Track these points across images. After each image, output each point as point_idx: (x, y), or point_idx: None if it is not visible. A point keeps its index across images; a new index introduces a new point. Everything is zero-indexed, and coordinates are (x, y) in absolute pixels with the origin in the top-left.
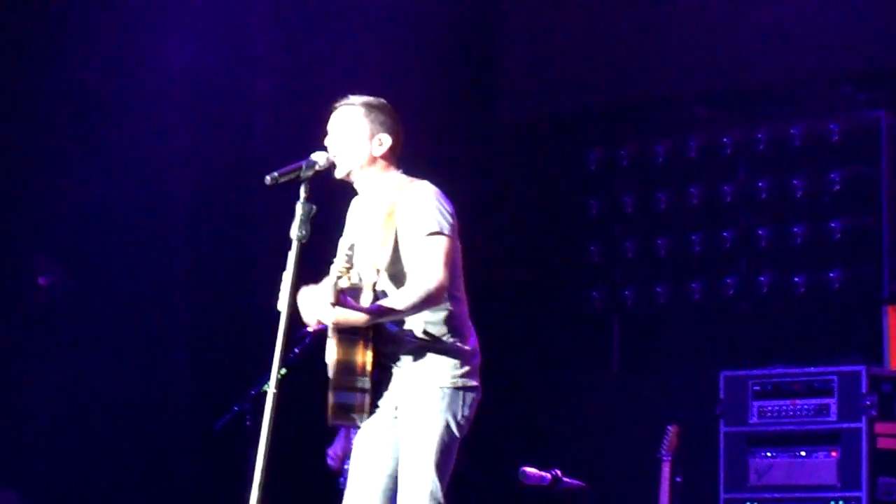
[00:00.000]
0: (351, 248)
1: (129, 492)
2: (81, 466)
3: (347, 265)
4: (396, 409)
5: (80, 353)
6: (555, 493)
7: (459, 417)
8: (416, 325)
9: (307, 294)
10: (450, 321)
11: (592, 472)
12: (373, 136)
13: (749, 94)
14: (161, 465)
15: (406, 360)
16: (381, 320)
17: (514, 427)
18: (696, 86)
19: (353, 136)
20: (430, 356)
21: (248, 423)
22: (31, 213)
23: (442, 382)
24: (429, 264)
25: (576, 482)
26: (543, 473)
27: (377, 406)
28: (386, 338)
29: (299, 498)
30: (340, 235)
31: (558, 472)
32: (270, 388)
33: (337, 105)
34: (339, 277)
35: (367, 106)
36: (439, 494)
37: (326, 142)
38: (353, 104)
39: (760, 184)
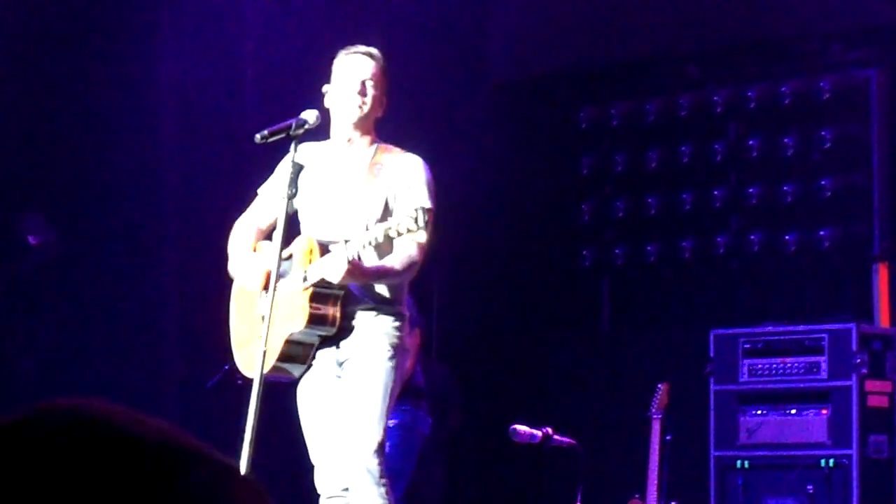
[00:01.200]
0: (417, 210)
1: None
2: None
3: (414, 226)
4: (340, 365)
5: (70, 314)
6: (545, 450)
7: (404, 374)
8: (379, 288)
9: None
10: (403, 287)
11: (583, 430)
12: (383, 94)
13: (739, 53)
14: None
15: (361, 318)
16: (376, 281)
17: (505, 385)
18: (687, 45)
19: (378, 90)
20: (384, 317)
21: (238, 381)
22: (23, 172)
23: (392, 341)
24: (419, 236)
25: (566, 440)
26: (534, 431)
27: (314, 358)
28: (349, 296)
29: (290, 456)
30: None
31: (549, 430)
32: (260, 346)
33: (354, 51)
34: (399, 234)
35: (383, 62)
36: (385, 446)
37: (344, 89)
38: (374, 56)
39: (751, 142)
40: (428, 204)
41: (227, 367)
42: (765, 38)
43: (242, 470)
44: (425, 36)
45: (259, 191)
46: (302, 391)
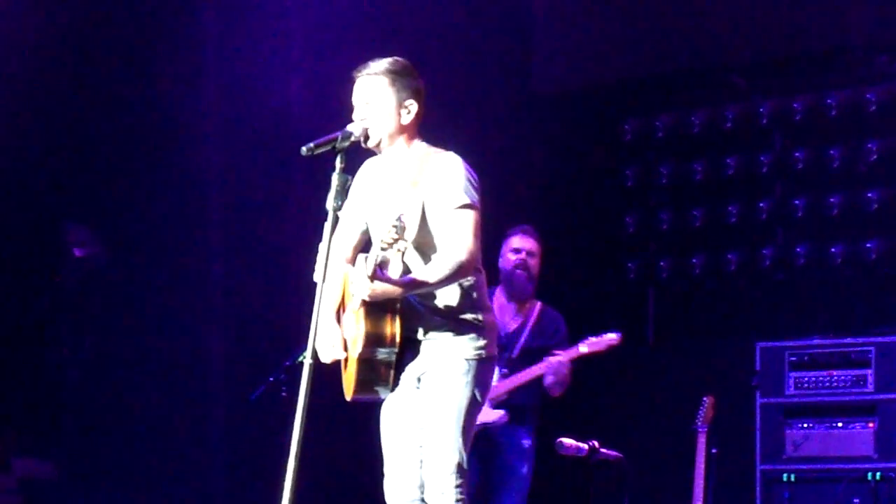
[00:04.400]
0: (399, 219)
1: (164, 463)
2: (117, 439)
3: (396, 236)
4: (419, 380)
5: (116, 325)
6: (592, 463)
7: (482, 387)
8: (440, 297)
9: (329, 329)
10: (472, 293)
11: (629, 443)
12: (400, 104)
13: (785, 64)
14: (197, 436)
15: (430, 332)
16: (413, 292)
17: (551, 397)
18: (733, 56)
19: (380, 107)
20: (454, 328)
21: (283, 393)
22: (69, 184)
23: (466, 354)
24: (460, 237)
25: (613, 453)
26: (580, 444)
27: (399, 378)
28: (409, 309)
29: (335, 468)
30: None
31: (595, 444)
32: (307, 359)
33: (359, 74)
34: (384, 248)
35: (391, 73)
36: (465, 464)
37: (354, 115)
38: (376, 73)
39: (797, 154)
40: (465, 201)
41: (271, 379)
42: (811, 49)
43: (288, 482)
44: (469, 48)
45: (328, 211)
46: (383, 410)
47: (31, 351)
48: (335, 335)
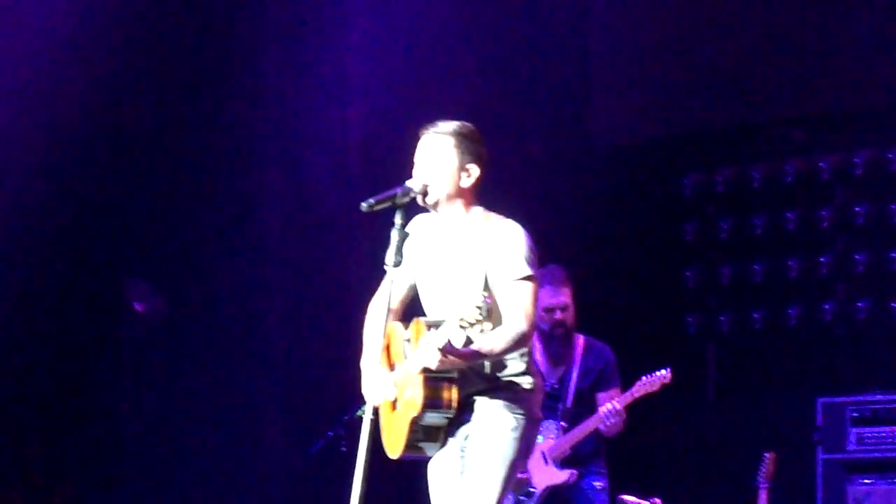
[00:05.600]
0: (485, 300)
1: None
2: (176, 493)
3: (480, 318)
4: (467, 438)
5: (176, 380)
6: None
7: (527, 447)
8: (495, 366)
9: (377, 374)
10: (523, 358)
11: (690, 499)
12: (461, 167)
13: (846, 119)
14: (257, 490)
15: (482, 395)
16: (479, 361)
17: (611, 454)
18: (793, 110)
19: (442, 166)
20: (505, 390)
21: (342, 448)
22: (130, 240)
23: (516, 414)
24: (522, 308)
25: None
26: (642, 501)
27: (448, 437)
28: (464, 373)
29: None
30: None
31: (658, 501)
32: (367, 414)
33: (425, 132)
34: (463, 327)
35: (458, 135)
36: None
37: (414, 171)
38: (442, 133)
39: (857, 209)
40: (527, 272)
41: (330, 433)
42: (872, 103)
43: None
44: (528, 102)
45: (386, 267)
46: (431, 466)
47: (92, 405)
48: (384, 378)
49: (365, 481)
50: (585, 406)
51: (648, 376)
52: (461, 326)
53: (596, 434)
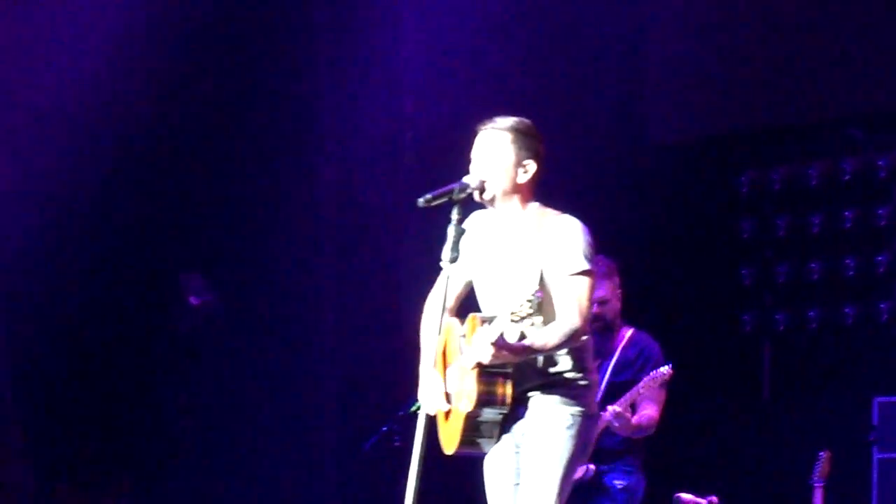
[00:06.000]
0: (536, 294)
1: None
2: (231, 487)
3: (530, 312)
4: (523, 435)
5: (230, 374)
6: None
7: (585, 444)
8: (550, 358)
9: (433, 381)
10: (579, 354)
11: (746, 498)
12: (519, 163)
13: None
14: (311, 485)
15: (537, 391)
16: (533, 355)
17: (667, 452)
18: (851, 108)
19: (499, 162)
20: (561, 387)
21: (396, 443)
22: (186, 233)
23: (571, 410)
24: (576, 304)
25: None
26: (699, 500)
27: (503, 434)
28: (518, 369)
29: None
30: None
31: (714, 500)
32: (422, 409)
33: (482, 128)
34: (514, 321)
35: (515, 131)
36: None
37: (471, 167)
38: (500, 128)
39: None
40: (584, 267)
41: (385, 429)
42: None
43: None
44: (584, 98)
45: (442, 264)
46: (487, 463)
47: (147, 399)
48: (438, 387)
49: (420, 477)
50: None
51: (652, 373)
52: (512, 321)
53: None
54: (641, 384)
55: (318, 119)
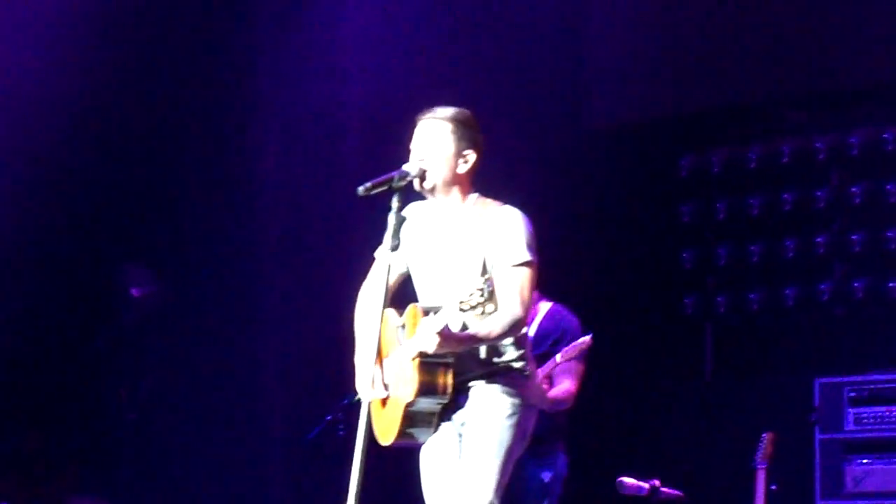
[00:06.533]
0: (487, 282)
1: (220, 501)
2: (174, 478)
3: (481, 300)
4: (463, 425)
5: (172, 365)
6: (653, 502)
7: (524, 434)
8: (490, 347)
9: (367, 364)
10: (519, 344)
11: (688, 481)
12: (459, 153)
13: (842, 99)
14: (255, 476)
15: (478, 381)
16: (476, 345)
17: (610, 436)
18: (789, 90)
19: (439, 152)
20: (500, 376)
21: (340, 432)
22: (126, 225)
23: (512, 400)
24: (518, 294)
25: (674, 492)
26: (641, 483)
27: (441, 423)
28: (459, 359)
29: None
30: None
31: (657, 483)
32: (362, 420)
33: (422, 117)
34: (464, 310)
35: (455, 121)
36: None
37: (411, 156)
38: (440, 118)
39: (854, 189)
40: (526, 258)
41: (328, 418)
42: (868, 83)
43: None
44: (523, 84)
45: (375, 254)
46: (425, 453)
47: (89, 390)
48: (376, 376)
49: (363, 466)
50: None
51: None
52: (461, 310)
53: (545, 414)
54: (559, 355)
55: (258, 108)
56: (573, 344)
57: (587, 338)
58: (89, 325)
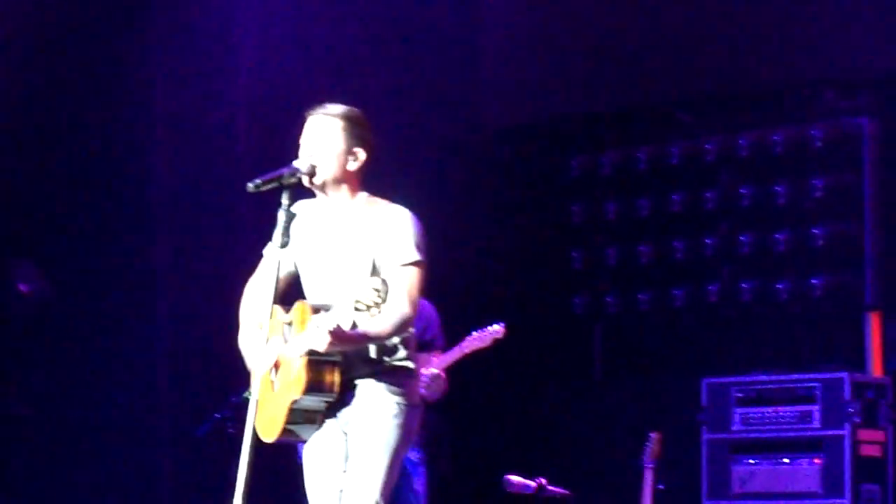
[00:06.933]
0: (384, 283)
1: (112, 500)
2: (64, 474)
3: (378, 300)
4: (347, 423)
5: (63, 361)
6: (539, 500)
7: (410, 433)
8: (377, 350)
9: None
10: (405, 343)
11: (576, 479)
12: (349, 150)
13: (731, 101)
14: (145, 472)
15: (363, 378)
16: (365, 344)
17: (497, 435)
18: (678, 92)
19: (329, 148)
20: (387, 375)
21: (230, 429)
22: (14, 220)
23: (398, 399)
24: (406, 293)
25: (560, 490)
26: (528, 482)
27: (325, 421)
28: (346, 357)
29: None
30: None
31: (543, 481)
32: (252, 395)
33: (312, 113)
34: (359, 309)
35: (346, 118)
36: None
37: (301, 152)
38: (331, 114)
39: (743, 190)
40: (415, 258)
41: (217, 416)
42: (756, 86)
43: None
44: (417, 83)
45: (264, 252)
46: (307, 450)
47: None
48: (265, 348)
49: (251, 463)
50: None
51: (480, 331)
52: (356, 308)
53: None
54: (466, 342)
55: (150, 102)
56: (483, 332)
57: (500, 327)
58: None
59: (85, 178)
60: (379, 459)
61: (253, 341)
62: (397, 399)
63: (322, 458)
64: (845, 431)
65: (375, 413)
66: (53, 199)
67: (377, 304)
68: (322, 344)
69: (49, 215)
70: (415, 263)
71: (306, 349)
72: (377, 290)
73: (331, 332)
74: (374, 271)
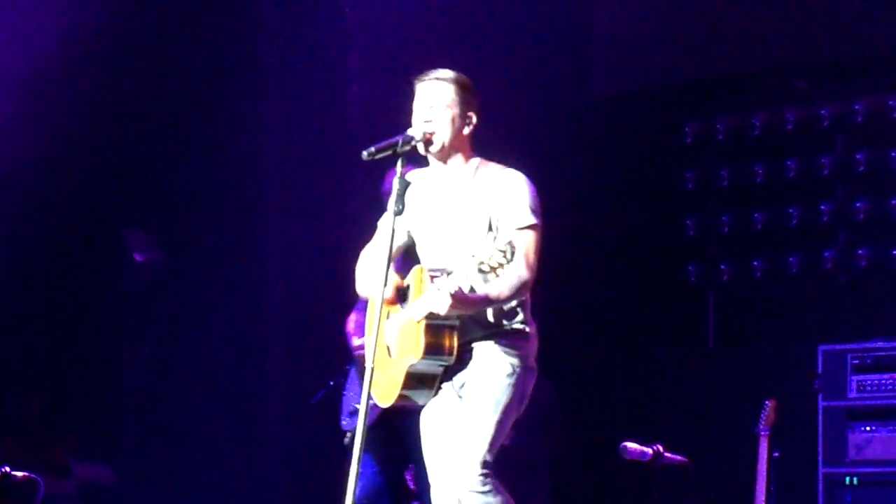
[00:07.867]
0: (509, 244)
1: (223, 468)
2: (176, 443)
3: (503, 261)
4: (462, 386)
5: (176, 330)
6: (656, 468)
7: (523, 396)
8: (494, 313)
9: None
10: (522, 307)
11: (691, 447)
12: (464, 114)
13: (847, 66)
14: (256, 441)
15: (480, 342)
16: (485, 307)
17: (614, 402)
18: (794, 58)
19: (445, 114)
20: (504, 337)
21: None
22: (131, 191)
23: (513, 360)
24: (523, 257)
25: (677, 457)
26: (644, 449)
27: (441, 386)
28: (466, 324)
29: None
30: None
31: (660, 448)
32: (368, 363)
33: (423, 79)
34: (485, 270)
35: (458, 83)
36: (490, 465)
37: (414, 119)
38: (445, 79)
39: (858, 156)
40: (532, 221)
41: (332, 383)
42: (873, 51)
43: (351, 485)
44: (528, 50)
45: (378, 223)
46: (425, 415)
47: (92, 356)
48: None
49: (366, 429)
50: None
51: None
52: (481, 270)
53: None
54: None
55: (262, 73)
56: None
57: None
58: (92, 291)
59: (200, 150)
60: (488, 416)
61: (372, 272)
62: (512, 360)
63: (438, 423)
64: None
65: (489, 372)
66: (167, 171)
67: (502, 265)
68: (444, 306)
69: (163, 186)
70: (531, 227)
71: (426, 312)
72: (502, 252)
73: (452, 295)
74: (491, 235)
